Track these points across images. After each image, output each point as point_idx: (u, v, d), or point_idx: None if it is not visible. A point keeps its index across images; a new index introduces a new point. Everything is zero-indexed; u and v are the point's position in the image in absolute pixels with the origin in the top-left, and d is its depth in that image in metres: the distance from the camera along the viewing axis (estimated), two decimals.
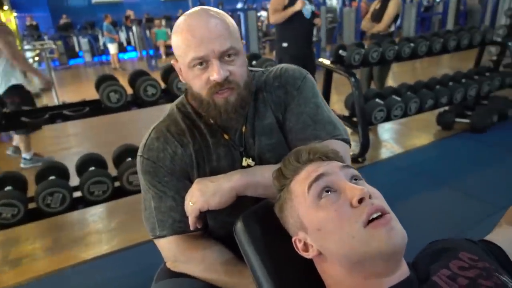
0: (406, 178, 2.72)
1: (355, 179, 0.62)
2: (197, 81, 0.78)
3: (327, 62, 2.99)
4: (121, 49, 10.20)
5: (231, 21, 0.79)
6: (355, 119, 2.94)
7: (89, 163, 2.10)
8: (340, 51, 2.89)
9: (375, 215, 0.55)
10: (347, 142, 0.88)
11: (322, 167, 0.63)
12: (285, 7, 2.94)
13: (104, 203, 2.01)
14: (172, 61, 0.84)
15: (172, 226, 0.84)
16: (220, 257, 0.85)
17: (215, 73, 0.75)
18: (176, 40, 0.77)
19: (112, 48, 8.77)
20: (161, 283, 0.87)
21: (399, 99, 2.94)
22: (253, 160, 0.87)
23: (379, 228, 0.54)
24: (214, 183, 0.80)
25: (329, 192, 0.59)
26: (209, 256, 0.85)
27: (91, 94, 2.18)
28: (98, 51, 10.24)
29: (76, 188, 1.96)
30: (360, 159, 2.95)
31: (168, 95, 2.14)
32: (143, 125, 4.45)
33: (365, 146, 2.83)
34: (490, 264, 0.59)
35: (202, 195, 0.79)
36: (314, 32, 2.95)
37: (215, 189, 0.78)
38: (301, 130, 0.87)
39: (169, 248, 0.85)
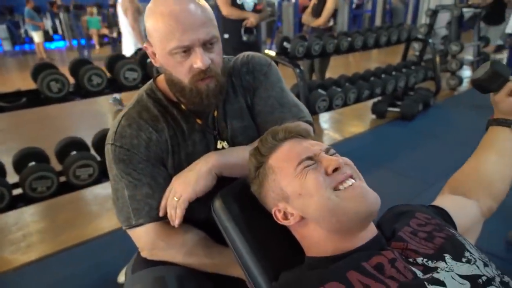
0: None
1: (332, 154, 0.68)
2: (179, 69, 0.77)
3: (272, 53, 3.07)
4: (47, 37, 9.37)
5: (208, 6, 0.79)
6: None
7: (28, 158, 1.94)
8: (285, 43, 2.99)
9: (349, 182, 0.62)
10: (311, 123, 0.95)
11: (308, 147, 0.68)
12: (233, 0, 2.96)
13: (46, 201, 1.88)
14: (144, 45, 0.83)
15: (149, 213, 0.82)
16: (200, 241, 0.86)
17: (199, 61, 0.74)
18: (154, 24, 0.75)
19: (37, 37, 8.04)
20: (141, 274, 0.86)
21: (339, 89, 3.13)
22: (227, 143, 0.90)
23: (353, 192, 0.61)
24: (193, 171, 0.80)
25: (311, 165, 0.65)
26: (189, 240, 0.85)
27: (14, 86, 2.01)
28: (20, 40, 9.30)
29: (15, 185, 1.81)
30: None
31: (114, 85, 2.06)
32: (81, 118, 4.19)
33: None
34: (440, 221, 0.69)
35: (186, 186, 0.79)
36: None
37: (196, 175, 0.79)
38: (269, 113, 0.91)
39: (146, 236, 0.84)
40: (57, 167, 1.91)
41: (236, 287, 0.86)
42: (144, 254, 0.87)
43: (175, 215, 0.80)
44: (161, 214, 0.82)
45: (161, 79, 0.88)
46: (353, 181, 0.63)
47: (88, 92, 1.97)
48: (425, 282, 0.53)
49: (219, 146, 0.89)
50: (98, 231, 2.08)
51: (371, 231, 0.64)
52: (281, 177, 0.67)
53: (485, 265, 0.58)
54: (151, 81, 0.90)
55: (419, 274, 0.55)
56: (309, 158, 0.65)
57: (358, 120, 3.89)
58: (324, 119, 3.98)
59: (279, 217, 0.68)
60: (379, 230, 0.69)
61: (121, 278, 1.68)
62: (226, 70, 0.91)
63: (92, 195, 2.46)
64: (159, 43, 0.76)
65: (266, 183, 0.70)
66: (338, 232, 0.63)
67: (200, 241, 0.86)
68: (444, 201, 0.81)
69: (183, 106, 0.86)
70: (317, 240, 0.65)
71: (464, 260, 0.57)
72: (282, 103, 0.92)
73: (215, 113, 0.89)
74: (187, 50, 0.75)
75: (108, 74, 2.08)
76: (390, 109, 3.80)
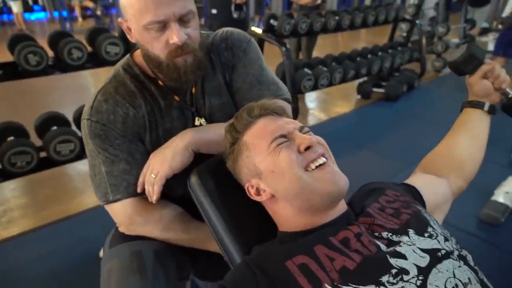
0: (330, 142, 2.90)
1: (305, 133, 0.69)
2: (155, 44, 0.75)
3: (259, 31, 3.03)
4: (27, 8, 8.98)
5: None
6: None
7: (7, 132, 1.90)
8: (271, 21, 2.95)
9: (320, 161, 0.64)
10: (289, 101, 0.95)
11: (282, 125, 0.69)
12: None
13: (27, 177, 1.86)
14: (119, 20, 0.81)
15: (127, 189, 0.83)
16: (177, 216, 0.88)
17: (175, 37, 0.73)
18: None
19: (15, 7, 7.69)
20: (118, 248, 0.87)
21: (325, 69, 3.13)
22: (205, 119, 0.90)
23: (323, 172, 0.63)
24: (170, 148, 0.80)
25: (285, 143, 0.66)
26: (166, 215, 0.87)
27: None
28: None
29: None
30: None
31: (95, 59, 2.02)
32: (64, 93, 4.10)
33: (294, 113, 2.98)
34: (409, 198, 0.72)
35: (163, 162, 0.79)
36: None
37: (173, 152, 0.79)
38: (247, 90, 0.91)
39: (124, 211, 0.84)
40: (38, 142, 1.89)
41: (212, 261, 0.89)
42: (121, 229, 0.88)
43: (153, 191, 0.81)
44: (139, 190, 0.83)
45: (138, 54, 0.86)
46: (324, 159, 0.64)
47: (68, 66, 1.92)
48: (387, 255, 0.55)
49: (196, 123, 0.90)
50: (80, 207, 2.08)
51: (341, 208, 0.66)
52: (255, 154, 0.68)
53: (446, 239, 0.61)
54: (128, 56, 0.88)
55: (383, 247, 0.58)
56: (283, 136, 0.66)
57: (344, 100, 3.92)
58: (310, 98, 3.99)
59: (251, 192, 0.70)
60: (350, 206, 0.71)
61: (102, 253, 1.70)
62: (205, 46, 0.90)
63: (76, 171, 2.44)
64: (134, 18, 0.74)
65: (240, 159, 0.71)
66: (308, 210, 0.65)
67: (177, 217, 0.88)
68: (415, 179, 0.83)
69: (160, 82, 0.85)
70: (287, 217, 0.67)
71: (426, 235, 0.60)
72: (260, 81, 0.92)
73: (193, 90, 0.89)
74: (162, 25, 0.73)
75: (89, 48, 2.04)
76: (375, 89, 3.83)
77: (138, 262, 0.82)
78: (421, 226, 0.62)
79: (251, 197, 0.70)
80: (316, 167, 0.63)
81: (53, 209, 2.07)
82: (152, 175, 0.80)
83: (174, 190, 0.87)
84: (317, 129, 3.27)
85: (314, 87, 3.02)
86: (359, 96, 3.87)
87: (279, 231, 0.69)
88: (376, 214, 0.65)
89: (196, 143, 0.81)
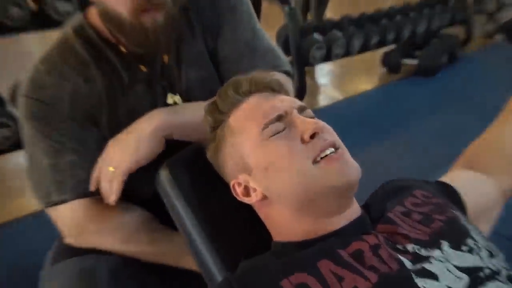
0: (345, 128, 2.91)
1: (310, 117, 0.68)
2: None
3: None
4: None
5: None
6: (289, 58, 3.04)
7: None
8: None
9: (328, 152, 0.63)
10: (289, 74, 0.95)
11: (278, 104, 0.68)
12: None
13: None
14: None
15: (76, 187, 0.83)
16: (143, 223, 0.88)
17: None
18: None
19: None
20: (63, 265, 0.87)
21: (341, 34, 3.11)
22: (180, 97, 0.90)
23: (332, 163, 0.62)
24: (133, 133, 0.80)
25: (282, 132, 0.65)
26: (128, 222, 0.87)
27: None
28: None
29: None
30: None
31: (41, 20, 2.00)
32: None
33: (300, 91, 2.98)
34: (443, 201, 0.71)
35: (124, 152, 0.79)
36: None
37: (138, 138, 0.79)
38: (236, 60, 0.92)
39: (72, 217, 0.85)
40: None
41: (188, 282, 0.90)
42: (69, 240, 0.88)
43: (111, 190, 0.81)
44: (92, 188, 0.83)
45: (94, 13, 0.86)
46: (333, 150, 0.64)
47: (4, 28, 1.91)
48: (412, 274, 0.55)
49: (169, 101, 0.90)
50: (20, 211, 2.07)
51: (353, 212, 0.66)
52: (243, 142, 0.67)
53: (491, 255, 0.61)
54: (80, 15, 0.88)
55: (408, 264, 0.57)
56: (279, 118, 0.66)
57: (365, 74, 3.92)
58: (322, 72, 3.99)
59: (238, 192, 0.70)
60: (367, 210, 0.71)
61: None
62: (182, 1, 0.89)
63: (12, 165, 2.43)
64: None
65: (224, 148, 0.70)
66: (311, 214, 0.65)
67: (143, 224, 0.88)
68: (454, 176, 0.83)
69: (122, 48, 0.85)
70: (284, 223, 0.67)
71: (464, 249, 0.60)
72: (253, 48, 0.93)
73: (166, 58, 0.89)
74: None
75: (33, 5, 2.02)
76: (406, 61, 3.82)
77: (88, 284, 0.82)
78: (458, 237, 0.62)
79: (238, 198, 0.70)
80: (321, 158, 0.63)
81: None
82: (110, 168, 0.80)
83: (140, 189, 0.87)
84: (328, 111, 3.34)
85: (326, 58, 3.02)
86: (384, 70, 3.87)
87: (273, 242, 0.69)
88: (399, 221, 0.64)
89: (168, 127, 0.81)
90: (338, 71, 4.03)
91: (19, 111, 0.83)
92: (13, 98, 2.01)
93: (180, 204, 0.75)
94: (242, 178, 0.69)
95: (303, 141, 0.64)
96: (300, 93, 3.00)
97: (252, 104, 0.69)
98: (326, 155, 0.63)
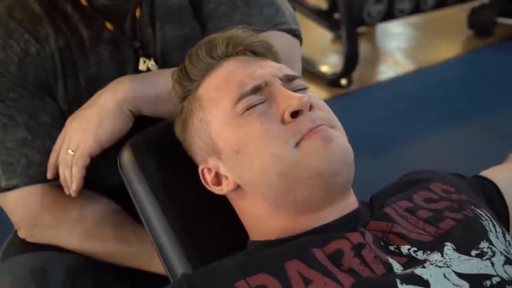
0: (411, 110, 2.93)
1: (296, 89, 0.72)
2: None
3: None
4: None
5: None
6: (336, 15, 3.04)
7: None
8: None
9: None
10: (296, 35, 0.98)
11: (257, 71, 0.71)
12: None
13: None
14: None
15: (27, 170, 0.88)
16: (108, 216, 0.94)
17: None
18: None
19: None
20: (13, 261, 0.93)
21: None
22: (155, 62, 0.94)
23: (312, 140, 0.65)
24: (94, 107, 0.84)
25: (259, 105, 0.69)
26: (91, 214, 0.93)
27: None
28: None
29: None
30: (342, 81, 3.11)
31: None
32: None
33: (351, 59, 2.99)
34: (469, 197, 0.74)
35: (85, 131, 0.83)
36: None
37: (100, 114, 0.83)
38: (225, 14, 0.94)
39: (24, 206, 0.90)
40: None
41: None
42: (22, 233, 0.95)
43: (70, 178, 0.86)
44: (49, 175, 0.89)
45: None
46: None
47: None
48: (397, 280, 0.58)
49: (141, 67, 0.94)
50: None
51: (345, 206, 0.70)
52: (212, 118, 0.72)
53: (509, 261, 0.63)
54: None
55: (397, 268, 0.61)
56: (256, 89, 0.69)
57: (446, 38, 3.83)
58: (387, 34, 3.94)
59: (208, 180, 0.74)
60: (371, 205, 0.75)
61: None
62: None
63: None
64: None
65: (191, 124, 0.75)
66: (290, 207, 0.69)
67: (109, 217, 0.94)
68: (501, 170, 0.85)
69: (83, 1, 0.89)
70: (259, 218, 0.72)
71: (474, 253, 0.62)
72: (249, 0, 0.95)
73: (137, 13, 0.93)
74: None
75: None
76: (502, 20, 3.71)
77: (39, 284, 0.88)
78: (470, 239, 0.64)
79: (207, 187, 0.75)
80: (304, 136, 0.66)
81: None
82: (70, 151, 0.85)
83: (105, 177, 0.93)
84: (390, 87, 3.27)
85: (387, 16, 2.98)
86: (470, 32, 3.78)
87: (249, 241, 0.74)
88: (398, 218, 0.68)
89: (137, 100, 0.85)
90: (408, 34, 3.97)
91: None
92: None
93: (142, 190, 0.81)
94: (212, 162, 0.73)
95: (283, 121, 0.67)
96: (350, 62, 3.01)
97: (226, 71, 0.73)
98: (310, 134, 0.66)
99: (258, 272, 0.61)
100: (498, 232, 0.68)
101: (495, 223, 0.70)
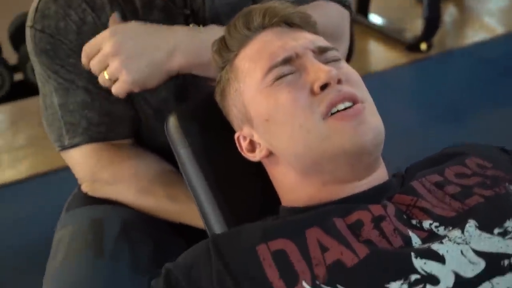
0: (497, 78, 2.78)
1: (328, 61, 0.72)
2: None
3: None
4: None
5: None
6: None
7: None
8: None
9: (342, 106, 0.67)
10: (346, 6, 0.98)
11: (290, 43, 0.73)
12: None
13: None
14: None
15: (87, 130, 0.94)
16: (161, 175, 0.98)
17: None
18: None
19: None
20: (76, 212, 1.01)
21: None
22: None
23: (344, 121, 0.66)
24: (149, 50, 0.84)
25: (289, 76, 0.70)
26: (145, 171, 0.98)
27: None
28: None
29: None
30: (422, 45, 3.01)
31: None
32: None
33: (432, 23, 2.90)
34: (506, 174, 0.72)
35: (128, 66, 0.82)
36: None
37: (150, 60, 0.83)
38: None
39: (85, 162, 0.97)
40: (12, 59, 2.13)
41: None
42: (84, 187, 1.03)
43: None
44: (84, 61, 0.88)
45: None
46: (350, 103, 0.67)
47: None
48: (412, 253, 0.59)
49: None
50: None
51: (374, 179, 0.71)
52: (245, 88, 0.74)
53: None
54: None
55: (416, 242, 0.61)
56: (287, 60, 0.71)
57: None
58: None
59: (243, 147, 0.77)
60: (403, 177, 0.75)
61: None
62: None
63: None
64: None
65: (228, 94, 0.78)
66: (317, 178, 0.71)
67: (162, 176, 0.99)
68: None
69: None
70: (290, 186, 0.74)
71: (496, 231, 0.61)
72: None
73: None
74: None
75: None
76: None
77: (96, 234, 0.95)
78: (495, 217, 0.63)
79: (242, 154, 0.78)
80: (333, 114, 0.67)
81: (39, 157, 2.39)
82: (105, 75, 0.85)
83: (159, 138, 0.96)
84: (476, 52, 3.10)
85: None
86: None
87: (280, 206, 0.77)
88: (424, 192, 0.68)
89: (186, 68, 0.87)
90: None
91: (27, 44, 0.94)
92: (13, 36, 2.19)
93: (185, 154, 0.85)
94: (246, 130, 0.76)
95: (312, 92, 0.68)
96: (431, 26, 2.91)
97: (261, 43, 0.75)
98: (339, 111, 0.67)
99: (279, 237, 0.63)
100: None
101: None
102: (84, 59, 0.87)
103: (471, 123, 2.48)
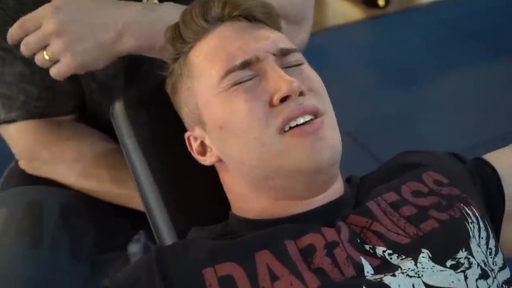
0: (453, 39, 2.77)
1: (288, 65, 0.67)
2: None
3: None
4: None
5: None
6: None
7: None
8: None
9: (301, 120, 0.64)
10: None
11: (250, 44, 0.67)
12: None
13: None
14: None
15: (25, 105, 0.89)
16: (105, 155, 0.95)
17: None
18: None
19: None
20: (12, 192, 0.96)
21: None
22: None
23: (301, 138, 0.63)
24: (93, 25, 0.76)
25: (247, 82, 0.66)
26: (88, 153, 0.94)
27: None
28: None
29: None
30: (380, 1, 2.98)
31: None
32: None
33: None
34: (462, 192, 0.71)
35: (70, 46, 0.75)
36: None
37: (96, 40, 0.76)
38: None
39: (23, 139, 0.92)
40: None
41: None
42: (22, 164, 0.97)
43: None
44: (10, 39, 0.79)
45: None
46: (311, 117, 0.64)
47: None
48: (363, 287, 0.57)
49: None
50: None
51: (327, 196, 0.68)
52: (199, 89, 0.69)
53: (483, 275, 0.61)
54: None
55: (368, 271, 0.60)
56: (246, 64, 0.66)
57: None
58: None
59: (193, 148, 0.73)
60: (358, 189, 0.73)
61: None
62: None
63: None
64: None
65: (180, 89, 0.73)
66: (269, 192, 0.68)
67: (107, 157, 0.95)
68: (507, 155, 0.81)
69: None
70: (239, 194, 0.71)
71: (449, 263, 0.60)
72: None
73: None
74: None
75: None
76: None
77: (33, 219, 0.91)
78: (448, 247, 0.62)
79: (192, 154, 0.74)
80: (291, 127, 0.64)
81: None
82: (46, 55, 0.77)
83: (106, 114, 0.90)
84: (433, 11, 3.02)
85: None
86: None
87: (230, 212, 0.74)
88: (379, 213, 0.66)
89: (136, 51, 0.81)
90: None
91: None
92: None
93: (131, 144, 0.81)
94: (198, 132, 0.72)
95: (271, 103, 0.64)
96: None
97: (218, 39, 0.69)
98: (298, 125, 0.64)
99: (227, 260, 0.61)
100: (482, 238, 0.66)
101: (481, 225, 0.67)
102: (17, 31, 0.77)
103: (427, 86, 2.46)
